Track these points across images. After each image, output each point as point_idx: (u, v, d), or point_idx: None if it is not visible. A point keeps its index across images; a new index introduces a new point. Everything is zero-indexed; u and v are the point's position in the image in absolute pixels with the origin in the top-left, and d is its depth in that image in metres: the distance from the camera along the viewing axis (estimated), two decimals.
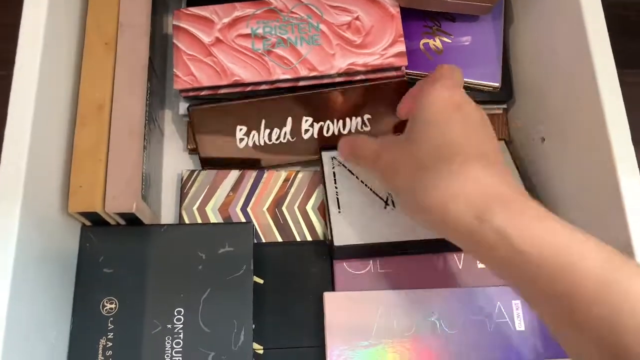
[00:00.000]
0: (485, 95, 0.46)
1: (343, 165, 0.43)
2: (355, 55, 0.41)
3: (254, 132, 0.43)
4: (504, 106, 0.48)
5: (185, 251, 0.39)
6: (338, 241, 0.40)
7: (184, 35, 0.42)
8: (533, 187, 0.45)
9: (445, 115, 0.33)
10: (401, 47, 0.42)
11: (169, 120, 0.48)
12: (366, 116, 0.44)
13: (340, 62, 0.41)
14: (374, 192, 0.42)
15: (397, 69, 0.42)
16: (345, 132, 0.44)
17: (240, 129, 0.43)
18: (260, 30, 0.42)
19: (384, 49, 0.42)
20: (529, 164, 0.46)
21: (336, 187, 0.42)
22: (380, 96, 0.43)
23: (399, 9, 0.42)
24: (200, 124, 0.43)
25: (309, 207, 0.44)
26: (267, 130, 0.43)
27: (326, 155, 0.44)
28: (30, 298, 0.32)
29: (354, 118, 0.44)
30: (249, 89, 0.42)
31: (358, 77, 0.43)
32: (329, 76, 0.42)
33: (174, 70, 0.41)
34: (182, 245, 0.39)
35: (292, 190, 0.44)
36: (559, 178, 0.42)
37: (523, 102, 0.47)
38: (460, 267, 0.41)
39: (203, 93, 0.42)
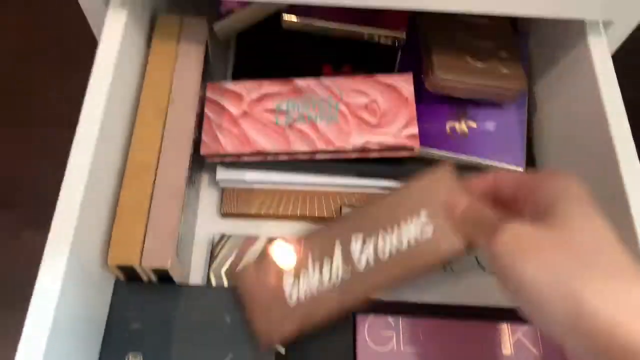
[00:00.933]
0: None
1: None
2: (371, 134, 0.45)
3: (303, 270, 0.37)
4: None
5: (211, 313, 0.40)
6: None
7: (215, 106, 0.46)
8: None
9: (592, 209, 0.29)
10: (414, 130, 0.44)
11: (205, 184, 0.50)
12: (423, 212, 0.37)
13: (356, 139, 0.44)
14: None
15: (410, 149, 0.45)
16: (404, 244, 0.37)
17: (288, 276, 0.37)
18: (284, 107, 0.46)
19: (398, 129, 0.44)
20: None
21: None
22: (428, 184, 0.38)
23: (413, 94, 0.45)
24: (246, 283, 0.38)
25: None
26: (317, 265, 0.37)
27: (346, 210, 0.47)
28: (62, 350, 0.33)
29: (409, 219, 0.37)
30: (269, 158, 0.45)
31: (372, 155, 0.45)
32: (344, 151, 0.45)
33: (202, 136, 0.45)
34: (209, 307, 0.40)
35: None
36: None
37: None
38: (511, 353, 0.40)
39: (227, 159, 0.46)
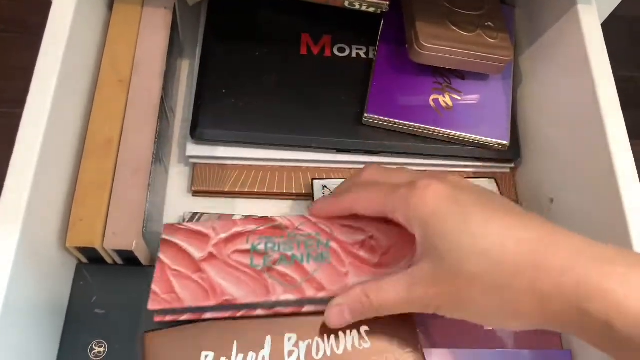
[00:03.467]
0: (493, 154, 0.46)
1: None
2: (373, 274, 0.35)
3: (223, 359, 0.33)
4: (512, 165, 0.48)
5: None
6: None
7: (172, 249, 0.35)
8: None
9: (441, 217, 0.29)
10: None
11: (175, 161, 0.47)
12: (363, 328, 0.34)
13: (354, 282, 0.34)
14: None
15: None
16: (340, 351, 0.33)
17: (207, 356, 0.33)
18: (261, 247, 0.36)
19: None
20: None
21: None
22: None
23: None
24: (157, 354, 0.33)
25: None
26: (241, 356, 0.33)
27: (317, 184, 0.44)
28: (17, 335, 0.30)
29: (348, 332, 0.34)
30: (240, 313, 0.34)
31: None
32: None
33: (153, 286, 0.34)
34: None
35: None
36: None
37: (531, 162, 0.47)
38: None
39: (184, 317, 0.34)
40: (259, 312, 0.35)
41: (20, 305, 0.30)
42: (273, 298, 0.34)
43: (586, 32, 0.39)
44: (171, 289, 0.34)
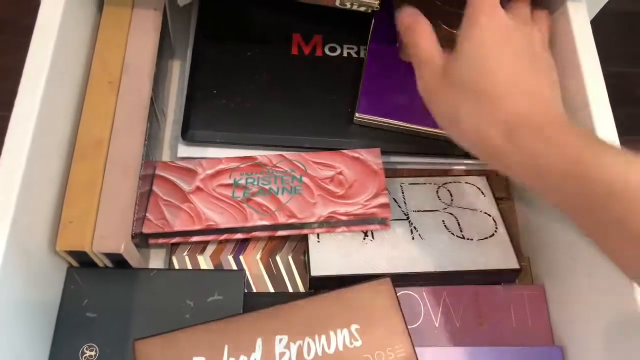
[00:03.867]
0: None
1: None
2: (337, 205, 0.41)
3: None
4: None
5: (173, 298, 0.37)
6: (315, 271, 0.39)
7: (165, 182, 0.42)
8: (539, 246, 0.44)
9: (491, 46, 0.33)
10: (384, 199, 0.41)
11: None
12: (354, 326, 0.35)
13: (321, 210, 0.40)
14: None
15: (382, 221, 0.41)
16: (331, 351, 0.35)
17: None
18: (242, 181, 0.42)
19: (367, 200, 0.41)
20: (533, 222, 0.45)
21: None
22: (365, 297, 0.36)
23: (382, 167, 0.42)
24: None
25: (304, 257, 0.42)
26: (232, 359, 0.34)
27: None
28: (7, 338, 0.30)
29: (339, 331, 0.35)
30: (223, 236, 0.41)
31: (339, 229, 0.42)
32: (309, 225, 0.41)
33: (147, 214, 0.40)
34: (170, 292, 0.37)
35: (288, 239, 0.43)
36: (563, 233, 0.41)
37: None
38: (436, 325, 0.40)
39: (174, 240, 0.41)
40: (239, 235, 0.41)
41: (10, 308, 0.30)
42: (250, 223, 0.40)
43: (576, 31, 0.39)
44: (162, 215, 0.40)
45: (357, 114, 0.44)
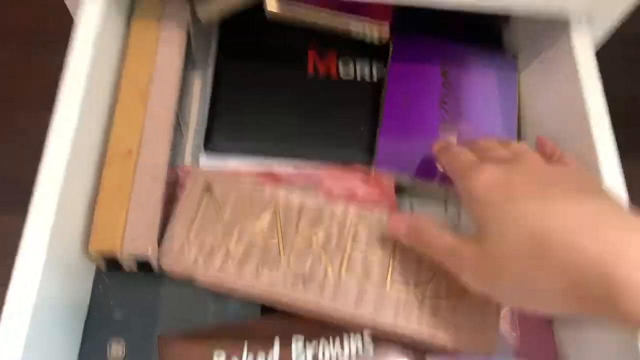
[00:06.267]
0: None
1: None
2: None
3: (234, 358, 0.36)
4: None
5: (195, 302, 0.39)
6: None
7: None
8: None
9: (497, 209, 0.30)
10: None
11: None
12: (367, 331, 0.37)
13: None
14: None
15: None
16: (344, 356, 0.37)
17: (219, 355, 0.36)
18: None
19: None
20: None
21: None
22: None
23: (392, 184, 0.44)
24: (172, 355, 0.36)
25: None
26: (251, 356, 0.36)
27: None
28: (43, 336, 0.32)
29: (352, 335, 0.37)
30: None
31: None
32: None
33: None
34: (192, 296, 0.39)
35: None
36: None
37: None
38: None
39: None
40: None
41: (48, 307, 0.32)
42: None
43: (578, 56, 0.41)
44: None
45: (375, 169, 0.45)
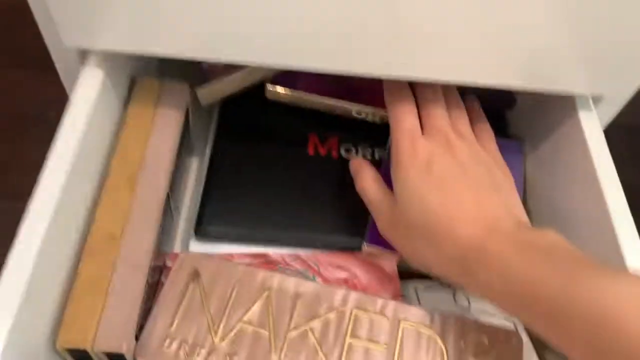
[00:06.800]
0: None
1: None
2: None
3: None
4: None
5: None
6: None
7: None
8: None
9: (418, 181, 0.35)
10: None
11: None
12: None
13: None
14: None
15: None
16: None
17: None
18: None
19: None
20: None
21: None
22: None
23: (396, 272, 0.42)
24: None
25: None
26: None
27: None
28: None
29: None
30: None
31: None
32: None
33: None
34: None
35: None
36: None
37: None
38: None
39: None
40: None
41: None
42: None
43: (589, 140, 0.40)
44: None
45: (366, 244, 0.43)
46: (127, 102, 0.43)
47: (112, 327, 0.34)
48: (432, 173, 0.35)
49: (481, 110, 0.44)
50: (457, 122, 0.40)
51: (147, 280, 0.37)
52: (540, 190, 0.47)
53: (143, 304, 0.36)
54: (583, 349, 0.27)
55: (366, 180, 0.40)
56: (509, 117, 0.53)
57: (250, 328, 0.36)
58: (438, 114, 0.39)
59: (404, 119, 0.38)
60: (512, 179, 0.39)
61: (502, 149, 0.48)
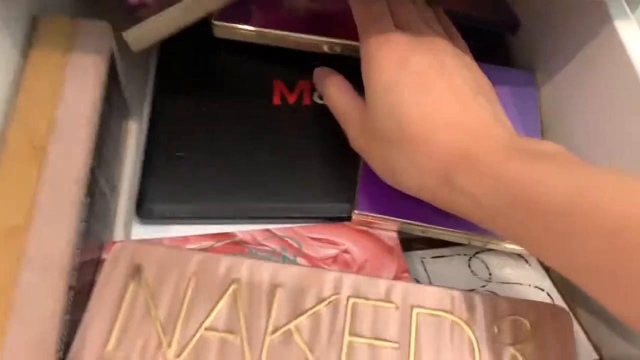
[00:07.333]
0: None
1: None
2: None
3: None
4: None
5: None
6: None
7: None
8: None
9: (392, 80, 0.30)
10: None
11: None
12: None
13: None
14: None
15: None
16: None
17: None
18: None
19: None
20: None
21: None
22: None
23: (398, 241, 0.34)
24: None
25: None
26: None
27: None
28: None
29: None
30: None
31: None
32: None
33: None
34: None
35: None
36: None
37: None
38: None
39: None
40: None
41: None
42: None
43: (631, 52, 0.32)
44: None
45: (356, 212, 0.35)
46: (27, 47, 0.33)
47: (19, 352, 0.24)
48: (407, 68, 0.30)
49: (454, 28, 0.37)
50: (432, 25, 0.34)
51: (69, 284, 0.27)
52: (563, 127, 0.39)
53: (65, 315, 0.26)
54: (596, 270, 0.23)
55: (332, 85, 0.35)
56: (512, 45, 0.45)
57: (215, 335, 0.27)
58: (411, 9, 0.34)
59: (371, 9, 0.33)
60: (496, 96, 0.34)
61: (512, 81, 0.40)
